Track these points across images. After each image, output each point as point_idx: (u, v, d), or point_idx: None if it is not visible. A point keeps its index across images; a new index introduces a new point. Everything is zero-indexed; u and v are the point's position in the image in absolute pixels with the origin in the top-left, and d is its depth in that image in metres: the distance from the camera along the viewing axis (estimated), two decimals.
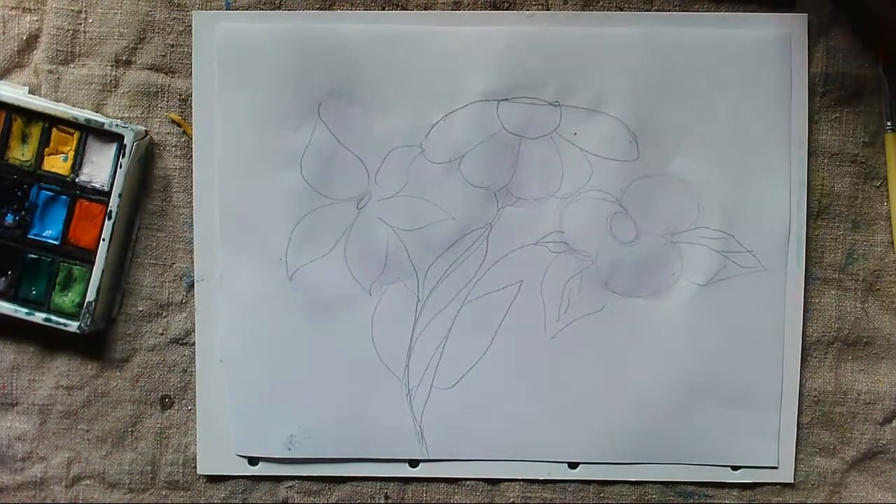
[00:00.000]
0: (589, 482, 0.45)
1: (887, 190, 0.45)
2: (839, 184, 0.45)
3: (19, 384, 0.46)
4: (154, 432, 0.46)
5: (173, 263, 0.46)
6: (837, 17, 0.44)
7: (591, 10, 0.44)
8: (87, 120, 0.43)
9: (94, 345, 0.46)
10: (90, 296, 0.43)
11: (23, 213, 0.44)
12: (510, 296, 0.45)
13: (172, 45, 0.45)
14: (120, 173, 0.43)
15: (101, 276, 0.43)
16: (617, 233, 0.45)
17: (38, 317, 0.44)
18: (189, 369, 0.46)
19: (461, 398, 0.45)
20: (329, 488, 0.46)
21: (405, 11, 0.44)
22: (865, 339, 0.45)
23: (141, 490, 0.46)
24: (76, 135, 0.43)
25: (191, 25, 0.44)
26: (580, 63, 0.44)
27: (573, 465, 0.45)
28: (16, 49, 0.45)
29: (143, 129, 0.44)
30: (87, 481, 0.46)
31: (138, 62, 0.45)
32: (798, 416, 0.45)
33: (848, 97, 0.45)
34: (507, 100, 0.44)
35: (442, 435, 0.45)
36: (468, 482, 0.46)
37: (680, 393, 0.45)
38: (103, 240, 0.43)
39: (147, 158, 0.45)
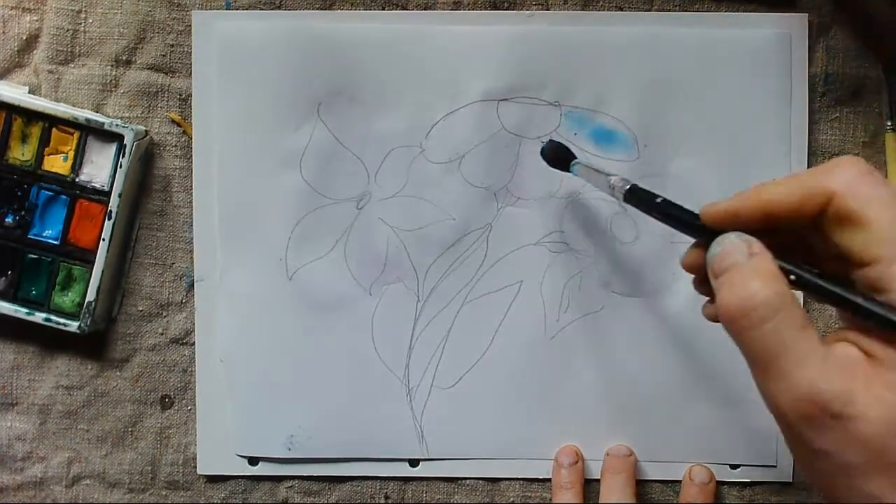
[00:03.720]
0: (589, 481, 0.45)
1: None
2: None
3: (19, 384, 0.46)
4: (154, 432, 0.46)
5: (173, 263, 0.46)
6: (837, 17, 0.44)
7: (591, 10, 0.44)
8: (87, 120, 0.43)
9: (94, 345, 0.46)
10: (90, 296, 0.43)
11: (23, 213, 0.44)
12: (510, 296, 0.45)
13: (172, 45, 0.45)
14: (120, 173, 0.43)
15: (101, 276, 0.43)
16: (617, 233, 0.45)
17: (38, 317, 0.44)
18: (189, 369, 0.46)
19: (461, 398, 0.45)
20: (329, 488, 0.46)
21: (405, 11, 0.44)
22: None
23: (141, 490, 0.46)
24: (76, 135, 0.43)
25: (191, 25, 0.44)
26: (580, 63, 0.44)
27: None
28: (16, 49, 0.45)
29: (143, 129, 0.44)
30: (87, 481, 0.46)
31: (138, 62, 0.45)
32: None
33: (848, 97, 0.45)
34: (507, 100, 0.44)
35: (442, 435, 0.45)
36: (468, 482, 0.46)
37: (679, 392, 0.45)
38: (103, 240, 0.43)
39: (147, 158, 0.45)
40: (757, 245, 0.28)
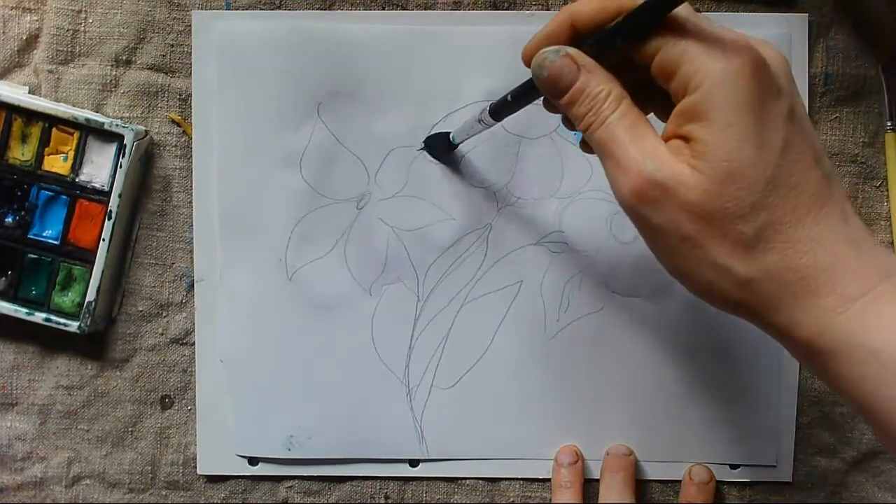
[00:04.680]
0: (589, 481, 0.45)
1: (887, 190, 0.45)
2: None
3: (19, 384, 0.46)
4: (154, 432, 0.46)
5: (173, 263, 0.46)
6: (837, 17, 0.44)
7: None
8: (87, 120, 0.43)
9: (94, 345, 0.46)
10: (90, 296, 0.43)
11: (23, 213, 0.44)
12: (510, 296, 0.45)
13: (172, 45, 0.45)
14: (120, 173, 0.43)
15: (101, 276, 0.43)
16: (617, 233, 0.45)
17: (38, 317, 0.44)
18: (189, 369, 0.46)
19: (461, 398, 0.45)
20: (329, 488, 0.46)
21: (405, 11, 0.44)
22: None
23: (141, 490, 0.46)
24: (76, 135, 0.43)
25: (191, 25, 0.44)
26: None
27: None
28: (16, 49, 0.45)
29: (143, 129, 0.44)
30: (87, 481, 0.46)
31: (138, 62, 0.45)
32: (798, 416, 0.45)
33: (848, 97, 0.45)
34: None
35: (442, 435, 0.45)
36: (468, 482, 0.46)
37: (679, 392, 0.45)
38: (103, 240, 0.43)
39: (147, 158, 0.45)
40: (571, 50, 0.29)
